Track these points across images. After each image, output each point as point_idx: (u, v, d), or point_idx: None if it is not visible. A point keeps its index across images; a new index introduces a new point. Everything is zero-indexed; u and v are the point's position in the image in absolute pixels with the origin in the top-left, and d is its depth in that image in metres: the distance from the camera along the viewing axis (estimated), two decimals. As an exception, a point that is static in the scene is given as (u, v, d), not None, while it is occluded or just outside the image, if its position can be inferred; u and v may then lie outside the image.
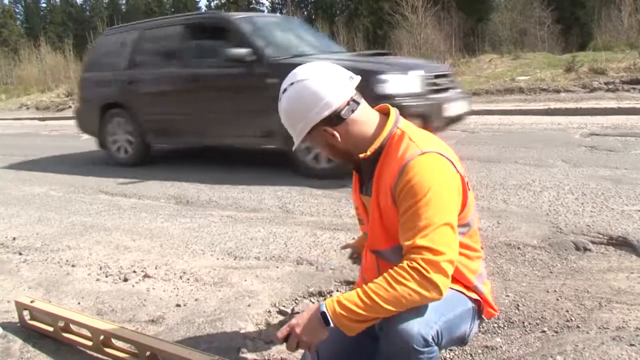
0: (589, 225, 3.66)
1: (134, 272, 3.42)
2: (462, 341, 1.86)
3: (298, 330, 1.60)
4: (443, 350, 2.25)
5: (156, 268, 3.47)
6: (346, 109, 1.74)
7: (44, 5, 70.26)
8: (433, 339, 1.61)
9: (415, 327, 1.58)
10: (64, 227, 4.59)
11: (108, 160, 7.65)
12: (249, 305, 2.86)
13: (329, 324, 1.55)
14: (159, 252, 3.78)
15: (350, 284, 3.02)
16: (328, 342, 1.67)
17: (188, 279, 3.27)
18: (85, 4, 71.78)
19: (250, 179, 6.01)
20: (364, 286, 1.57)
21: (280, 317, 2.74)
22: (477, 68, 17.13)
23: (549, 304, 2.67)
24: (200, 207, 5.04)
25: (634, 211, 3.93)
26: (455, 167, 1.72)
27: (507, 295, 2.79)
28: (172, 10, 67.86)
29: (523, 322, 2.53)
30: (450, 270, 1.57)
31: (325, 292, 2.94)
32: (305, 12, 60.25)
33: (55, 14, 67.64)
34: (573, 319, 2.51)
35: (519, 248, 3.41)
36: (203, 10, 68.53)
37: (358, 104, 1.77)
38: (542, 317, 2.55)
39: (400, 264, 1.57)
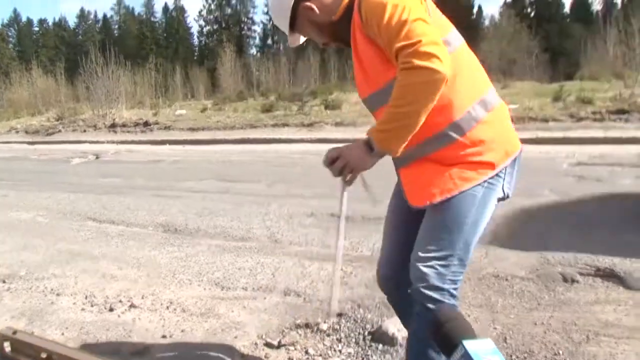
0: (576, 257, 3.67)
1: (120, 301, 3.38)
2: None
3: (347, 154, 1.75)
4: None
5: (142, 298, 3.43)
6: None
7: (37, 28, 70.38)
8: (450, 281, 1.75)
9: (422, 284, 1.74)
10: (50, 255, 4.55)
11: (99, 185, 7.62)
12: (235, 337, 2.83)
13: (373, 149, 1.69)
14: (145, 282, 3.75)
15: (337, 315, 3.00)
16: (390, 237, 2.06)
17: (175, 310, 3.24)
18: (78, 28, 72.05)
19: (239, 207, 6.00)
20: (384, 110, 1.67)
21: (267, 350, 2.71)
22: (466, 96, 17.26)
23: (536, 336, 2.67)
24: (188, 235, 5.01)
25: (620, 242, 3.94)
26: None
27: (495, 328, 2.78)
28: (165, 35, 68.19)
29: (511, 356, 2.51)
30: (433, 48, 1.57)
31: (313, 324, 2.91)
32: (296, 39, 60.60)
33: (48, 37, 67.82)
34: (561, 352, 2.50)
35: (507, 279, 3.40)
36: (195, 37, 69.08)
37: None
38: (529, 351, 2.54)
39: (399, 71, 1.62)
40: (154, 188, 7.61)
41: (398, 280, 2.00)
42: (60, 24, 71.16)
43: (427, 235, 1.79)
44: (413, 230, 1.86)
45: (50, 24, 70.90)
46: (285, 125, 15.57)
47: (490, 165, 1.75)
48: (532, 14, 59.50)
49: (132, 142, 15.61)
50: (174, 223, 5.45)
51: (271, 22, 67.95)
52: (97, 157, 12.20)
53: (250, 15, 70.05)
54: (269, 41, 67.97)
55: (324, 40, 2.02)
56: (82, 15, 72.28)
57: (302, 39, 2.09)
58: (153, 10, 71.41)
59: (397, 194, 2.03)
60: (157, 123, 18.52)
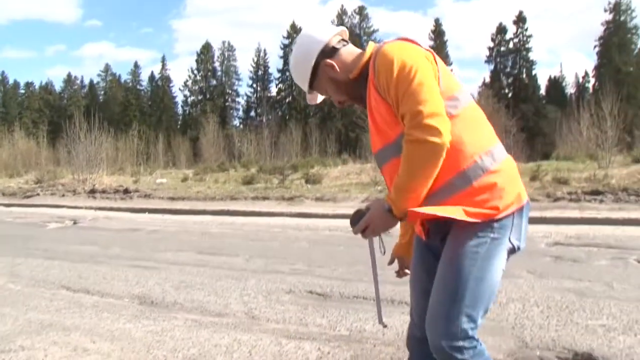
0: (554, 340, 3.68)
1: (91, 378, 3.29)
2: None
3: (372, 225, 1.91)
4: None
5: (114, 374, 3.35)
6: (337, 41, 2.09)
7: (23, 91, 70.86)
8: (460, 334, 1.82)
9: (438, 339, 1.83)
10: (19, 325, 4.43)
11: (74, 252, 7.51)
12: (209, 419, 2.76)
13: (393, 213, 1.84)
14: (119, 357, 3.66)
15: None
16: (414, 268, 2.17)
17: (147, 388, 3.16)
18: (64, 92, 72.70)
19: (217, 281, 5.94)
20: (395, 176, 1.83)
21: None
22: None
23: None
24: (164, 308, 4.93)
25: (597, 326, 3.96)
26: (420, 45, 1.99)
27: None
28: (150, 103, 68.95)
29: None
30: (434, 120, 1.74)
31: (289, 407, 2.86)
32: (279, 113, 61.65)
33: (33, 100, 68.23)
34: None
35: (485, 364, 3.38)
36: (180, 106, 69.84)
37: (347, 42, 2.13)
38: None
39: (404, 141, 1.79)
40: (131, 258, 7.52)
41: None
42: (47, 87, 71.84)
43: (435, 294, 1.91)
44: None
45: (36, 87, 71.47)
46: (265, 198, 15.59)
47: (496, 209, 1.84)
48: (510, 95, 61.34)
49: (111, 208, 15.49)
50: (150, 295, 5.36)
51: (255, 95, 68.97)
52: (74, 223, 12.07)
53: (235, 87, 71.42)
54: (252, 113, 69.03)
55: (341, 98, 2.13)
56: (69, 79, 73.16)
57: (320, 98, 2.23)
58: (139, 79, 72.46)
59: (416, 249, 2.20)
60: (137, 191, 18.45)
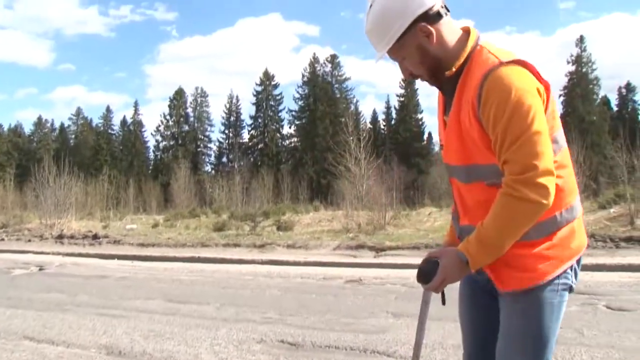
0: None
1: None
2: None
3: (448, 280, 1.76)
4: None
5: None
6: (442, 8, 1.76)
7: (-10, 133, 69.97)
8: None
9: None
10: (-19, 378, 4.28)
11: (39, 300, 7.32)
12: None
13: (468, 264, 1.69)
14: (83, 411, 3.55)
15: None
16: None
17: None
18: (34, 135, 71.96)
19: (187, 330, 5.83)
20: (479, 226, 1.68)
21: None
22: (417, 221, 17.69)
23: None
24: (133, 359, 4.81)
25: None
26: (536, 74, 1.69)
27: None
28: (121, 148, 68.56)
29: None
30: (546, 179, 1.59)
31: None
32: (251, 159, 61.80)
33: (1, 142, 67.28)
34: None
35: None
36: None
37: (448, 10, 1.78)
38: None
39: (500, 191, 1.65)
40: (99, 306, 7.35)
41: None
42: (16, 130, 71.01)
43: (503, 348, 1.82)
44: (490, 317, 1.89)
45: (5, 129, 70.62)
46: (236, 245, 15.48)
47: (564, 261, 1.79)
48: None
49: (79, 254, 15.17)
50: (118, 345, 5.23)
51: (227, 141, 68.76)
52: (40, 269, 11.79)
53: (207, 133, 71.55)
54: (224, 159, 69.06)
55: (419, 72, 1.84)
56: (39, 122, 72.56)
57: (384, 51, 1.82)
58: (111, 123, 72.22)
59: (467, 283, 2.04)
60: (106, 236, 18.17)
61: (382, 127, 68.60)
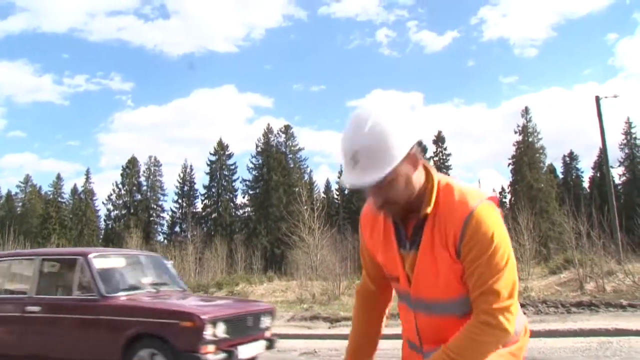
0: None
1: None
2: None
3: None
4: None
5: None
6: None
7: None
8: None
9: None
10: None
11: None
12: None
13: None
14: None
15: None
16: None
17: None
18: (-21, 200, 69.62)
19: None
20: (446, 349, 1.70)
21: None
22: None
23: None
24: None
25: None
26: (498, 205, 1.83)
27: None
28: (71, 216, 66.91)
29: None
30: (515, 310, 1.74)
31: None
32: (204, 229, 61.04)
33: (-59, 209, 64.85)
34: None
35: None
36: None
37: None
38: None
39: (475, 320, 1.70)
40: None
41: None
42: (-41, 196, 68.73)
43: None
44: None
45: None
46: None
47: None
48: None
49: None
50: None
51: (180, 211, 67.75)
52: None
53: (160, 202, 70.74)
54: (177, 228, 68.09)
55: (393, 202, 1.77)
56: (-16, 189, 70.28)
57: (379, 177, 1.69)
58: (61, 191, 70.71)
59: None
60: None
61: (335, 196, 69.12)
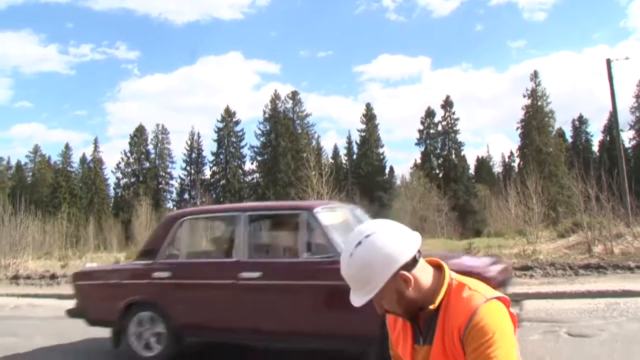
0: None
1: None
2: None
3: None
4: None
5: None
6: (417, 253, 1.88)
7: (-60, 171, 67.84)
8: None
9: None
10: None
11: None
12: None
13: None
14: None
15: None
16: None
17: None
18: (-13, 172, 70.03)
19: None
20: None
21: None
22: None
23: None
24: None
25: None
26: (508, 306, 1.89)
27: None
28: (81, 185, 67.33)
29: None
30: None
31: None
32: (213, 195, 61.40)
33: (-47, 179, 65.35)
34: None
35: None
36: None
37: (420, 252, 1.91)
38: None
39: None
40: (57, 349, 7.15)
41: None
42: (-31, 167, 69.14)
43: None
44: None
45: (-44, 166, 68.66)
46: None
47: None
48: (440, 175, 63.46)
49: (36, 295, 14.69)
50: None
51: (189, 178, 68.01)
52: (-7, 312, 11.40)
53: (168, 169, 70.93)
54: (186, 195, 68.47)
55: (397, 311, 1.94)
56: (-6, 160, 70.69)
57: (365, 301, 1.89)
58: (70, 160, 70.93)
59: None
60: (65, 276, 17.67)
61: (343, 161, 69.14)
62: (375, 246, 1.84)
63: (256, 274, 5.50)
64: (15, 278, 18.09)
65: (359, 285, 1.87)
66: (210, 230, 6.86)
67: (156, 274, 5.94)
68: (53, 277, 17.54)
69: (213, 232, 6.86)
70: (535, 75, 62.10)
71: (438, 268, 1.97)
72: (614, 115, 22.57)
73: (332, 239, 5.37)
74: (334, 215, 5.96)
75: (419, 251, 1.90)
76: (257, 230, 6.42)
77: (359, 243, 1.85)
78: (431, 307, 1.88)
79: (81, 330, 8.26)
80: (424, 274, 1.91)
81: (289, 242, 6.27)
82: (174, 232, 6.26)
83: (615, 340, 6.15)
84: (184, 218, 6.41)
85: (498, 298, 1.88)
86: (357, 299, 1.89)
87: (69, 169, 70.47)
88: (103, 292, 6.51)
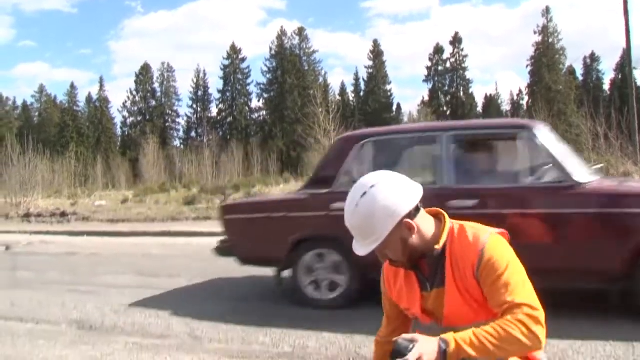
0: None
1: (26, 407, 3.17)
2: None
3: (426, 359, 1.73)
4: None
5: (51, 402, 3.23)
6: (419, 203, 1.93)
7: (-50, 112, 67.86)
8: None
9: None
10: (-52, 357, 4.23)
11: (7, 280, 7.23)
12: None
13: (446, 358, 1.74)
14: (55, 384, 3.54)
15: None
16: None
17: (86, 415, 3.06)
18: (-5, 112, 69.96)
19: (159, 302, 5.84)
20: (476, 331, 1.75)
21: None
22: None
23: None
24: (104, 332, 4.80)
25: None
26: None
27: None
28: (88, 124, 67.34)
29: None
30: (544, 322, 1.76)
31: None
32: (220, 133, 61.31)
33: (-41, 121, 65.40)
34: None
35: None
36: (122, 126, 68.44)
37: (421, 202, 1.95)
38: None
39: (506, 317, 1.75)
40: (69, 282, 7.30)
41: None
42: (-24, 109, 69.09)
43: None
44: None
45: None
46: (207, 218, 15.44)
47: None
48: (448, 112, 63.04)
49: (47, 232, 14.96)
50: (89, 320, 5.21)
51: (195, 116, 67.80)
52: (7, 249, 11.61)
53: (175, 107, 70.63)
54: (193, 133, 68.45)
55: (400, 259, 1.98)
56: (0, 100, 70.56)
57: (369, 250, 1.93)
58: (76, 100, 70.63)
59: None
60: (75, 213, 17.98)
61: (350, 98, 68.65)
62: (380, 196, 1.88)
63: (470, 203, 4.73)
64: (27, 216, 18.38)
65: (365, 235, 1.91)
66: (399, 153, 5.96)
67: (336, 205, 4.80)
68: (63, 214, 17.81)
69: (403, 155, 6.05)
70: (547, 11, 60.73)
71: (437, 217, 2.03)
72: (627, 52, 21.99)
73: (561, 161, 4.69)
74: (552, 136, 5.23)
75: (420, 201, 1.94)
76: (462, 152, 5.47)
77: (364, 193, 1.89)
78: (436, 247, 1.93)
79: (89, 267, 8.41)
80: (426, 222, 1.96)
81: (504, 165, 5.61)
82: (354, 156, 5.48)
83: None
84: (366, 140, 5.58)
85: (500, 233, 1.96)
86: (362, 249, 1.92)
87: (75, 108, 70.29)
88: (265, 227, 5.71)
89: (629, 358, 3.55)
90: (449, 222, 2.00)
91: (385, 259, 2.01)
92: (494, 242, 1.90)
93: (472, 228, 1.96)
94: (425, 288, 2.02)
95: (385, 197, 1.87)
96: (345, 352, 3.95)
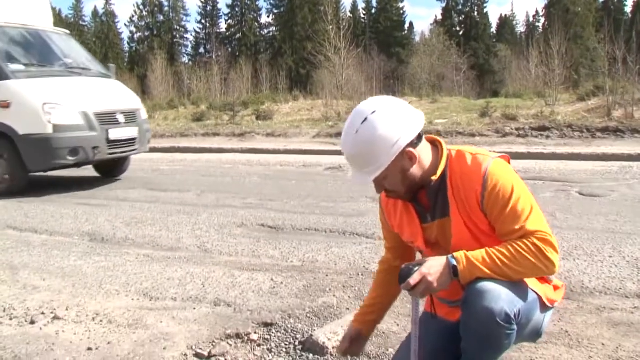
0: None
1: (43, 313, 3.26)
2: (537, 333, 1.97)
3: (430, 278, 1.73)
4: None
5: (67, 309, 3.32)
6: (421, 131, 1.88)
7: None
8: (515, 316, 1.73)
9: (500, 303, 1.70)
10: (-34, 264, 4.33)
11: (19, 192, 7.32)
12: (164, 349, 2.79)
13: (457, 275, 1.74)
14: (70, 292, 3.63)
15: (268, 325, 3.01)
16: (431, 336, 1.99)
17: (101, 321, 3.15)
18: None
19: (168, 216, 5.92)
20: (489, 250, 1.75)
21: (197, 361, 2.68)
22: (397, 111, 17.63)
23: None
24: (116, 244, 4.89)
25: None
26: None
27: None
28: (94, 40, 66.32)
29: None
30: (557, 247, 1.77)
31: (243, 334, 2.91)
32: (229, 49, 60.31)
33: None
34: None
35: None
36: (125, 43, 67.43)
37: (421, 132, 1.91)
38: None
39: (521, 241, 1.74)
40: (80, 196, 7.39)
41: None
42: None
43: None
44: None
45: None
46: (216, 134, 15.46)
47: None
48: (461, 33, 61.52)
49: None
50: (100, 232, 5.31)
51: (204, 32, 66.30)
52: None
53: (183, 23, 69.19)
54: (201, 50, 67.37)
55: (399, 189, 1.92)
56: (6, 15, 69.11)
57: (368, 181, 1.87)
58: (82, 14, 69.21)
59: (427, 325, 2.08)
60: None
61: (362, 16, 66.90)
62: (382, 123, 1.78)
63: None
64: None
65: (364, 164, 1.83)
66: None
67: None
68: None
69: None
70: None
71: (434, 144, 1.96)
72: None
73: None
74: None
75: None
76: None
77: (365, 120, 1.79)
78: (433, 177, 1.88)
79: (100, 181, 8.45)
80: (425, 151, 1.90)
81: None
82: None
83: (625, 200, 6.24)
84: None
85: (501, 157, 1.92)
86: (360, 179, 1.86)
87: (81, 22, 69.03)
88: None
89: (634, 279, 3.59)
90: (446, 149, 1.93)
91: (382, 189, 1.94)
92: (496, 168, 1.83)
93: (472, 153, 1.90)
94: (425, 219, 1.98)
95: (387, 124, 1.78)
96: (354, 267, 4.02)
